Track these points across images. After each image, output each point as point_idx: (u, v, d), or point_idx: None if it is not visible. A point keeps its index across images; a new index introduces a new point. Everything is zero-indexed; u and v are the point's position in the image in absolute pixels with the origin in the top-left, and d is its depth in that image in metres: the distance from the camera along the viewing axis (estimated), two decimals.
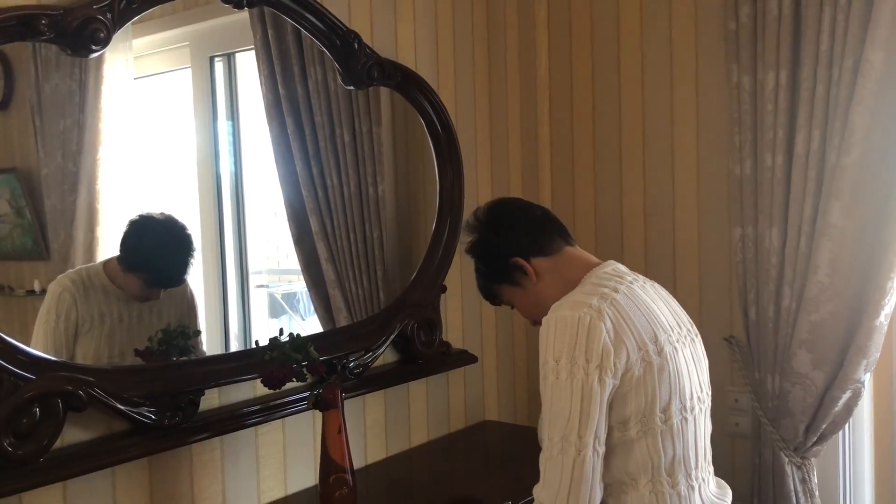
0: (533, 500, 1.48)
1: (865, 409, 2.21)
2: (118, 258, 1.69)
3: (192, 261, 1.82)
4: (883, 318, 1.99)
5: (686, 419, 1.48)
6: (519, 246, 1.61)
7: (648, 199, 2.48)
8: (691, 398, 1.50)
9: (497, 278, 1.66)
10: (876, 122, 1.95)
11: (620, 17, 2.49)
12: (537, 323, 1.59)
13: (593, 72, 2.56)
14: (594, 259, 1.63)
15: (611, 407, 1.42)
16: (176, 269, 1.80)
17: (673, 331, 1.51)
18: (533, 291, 1.61)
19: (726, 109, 2.24)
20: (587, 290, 1.49)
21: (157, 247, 1.77)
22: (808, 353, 2.07)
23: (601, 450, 1.41)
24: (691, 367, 1.53)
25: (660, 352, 1.45)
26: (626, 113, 2.50)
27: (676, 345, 1.50)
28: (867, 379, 2.06)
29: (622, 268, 1.60)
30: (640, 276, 1.60)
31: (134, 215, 1.72)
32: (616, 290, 1.48)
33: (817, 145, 2.04)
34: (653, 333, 1.46)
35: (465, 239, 1.71)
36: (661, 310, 1.53)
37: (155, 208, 1.76)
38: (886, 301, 1.98)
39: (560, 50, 2.62)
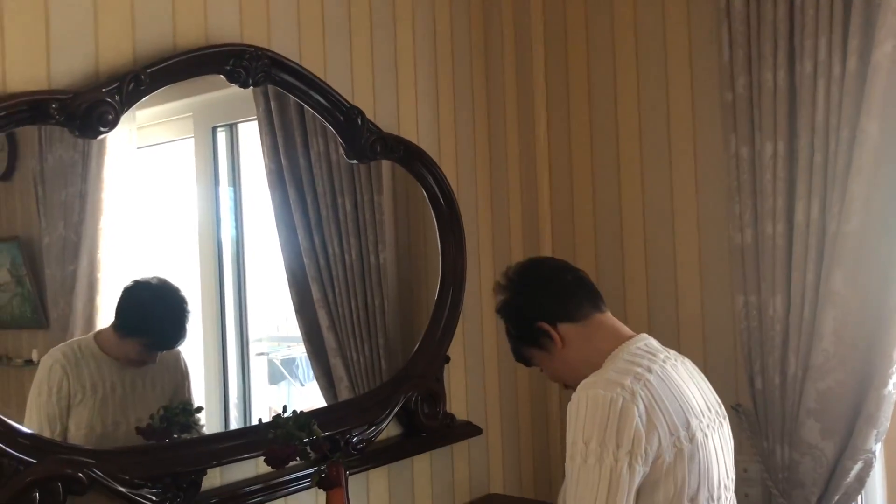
0: None
1: (878, 480, 2.17)
2: (114, 325, 1.69)
3: (188, 323, 1.81)
4: (891, 387, 1.97)
5: None
6: (545, 310, 1.58)
7: (650, 268, 2.49)
8: (719, 486, 1.47)
9: (525, 342, 1.63)
10: (874, 190, 1.97)
11: (618, 87, 2.53)
12: (567, 387, 1.56)
13: (592, 143, 2.59)
14: (626, 331, 1.59)
15: (639, 494, 1.38)
16: (174, 331, 1.80)
17: (704, 415, 1.48)
18: (559, 357, 1.58)
19: (725, 178, 2.25)
20: (620, 367, 1.46)
21: (153, 310, 1.77)
22: (816, 423, 2.04)
23: None
24: (720, 453, 1.50)
25: (691, 438, 1.42)
26: (626, 183, 2.52)
27: (707, 430, 1.47)
28: (878, 449, 2.03)
29: (654, 343, 1.57)
30: (673, 353, 1.58)
31: (128, 281, 1.72)
32: (650, 371, 1.44)
33: (817, 214, 2.05)
34: (685, 419, 1.42)
35: (495, 299, 1.69)
36: (692, 392, 1.50)
37: (148, 273, 1.76)
38: (894, 369, 1.96)
39: (559, 122, 2.65)
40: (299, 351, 2.16)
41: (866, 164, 1.96)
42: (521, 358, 1.68)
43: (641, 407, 1.38)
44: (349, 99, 2.04)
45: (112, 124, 1.55)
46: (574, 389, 1.57)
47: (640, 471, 1.37)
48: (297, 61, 1.93)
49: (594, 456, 1.36)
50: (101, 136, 1.57)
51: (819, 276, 2.04)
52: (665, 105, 2.44)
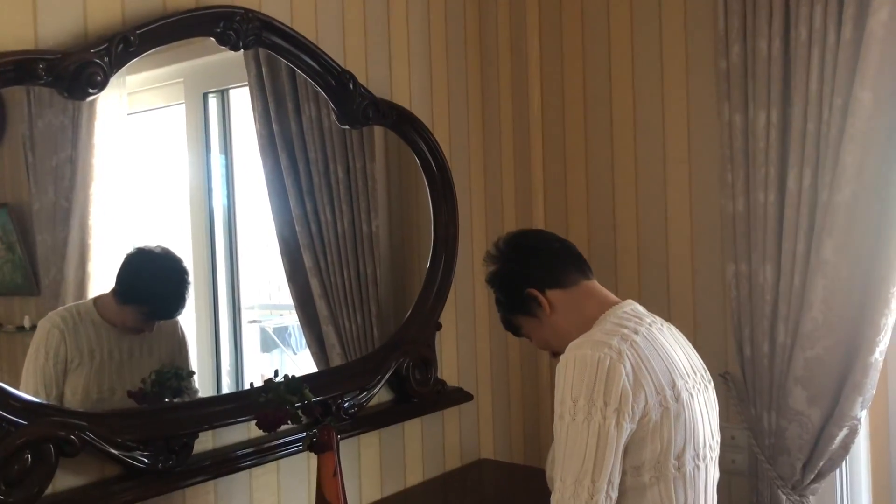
0: None
1: (862, 446, 2.20)
2: (114, 291, 1.68)
3: (188, 294, 1.83)
4: (878, 355, 1.99)
5: (698, 467, 1.47)
6: (534, 277, 1.62)
7: (642, 236, 2.49)
8: (704, 446, 1.49)
9: (514, 309, 1.66)
10: (867, 159, 1.97)
11: (612, 56, 2.52)
12: (555, 354, 1.59)
13: (585, 110, 2.59)
14: (612, 297, 1.62)
15: (626, 451, 1.41)
16: (173, 302, 1.81)
17: (689, 377, 1.51)
18: (547, 323, 1.61)
19: (718, 147, 2.26)
20: (607, 329, 1.48)
21: (155, 279, 1.78)
22: (803, 390, 2.07)
23: (614, 495, 1.39)
24: (705, 414, 1.52)
25: (677, 397, 1.44)
26: (619, 150, 2.52)
27: (692, 391, 1.49)
28: (863, 416, 2.06)
29: (641, 308, 1.60)
30: (658, 318, 1.60)
31: (131, 248, 1.73)
32: (636, 332, 1.47)
33: (809, 183, 2.05)
34: (671, 378, 1.45)
35: (486, 269, 1.72)
36: (677, 355, 1.52)
37: (151, 242, 1.77)
38: (881, 338, 1.98)
39: (552, 89, 2.64)
40: (291, 319, 2.16)
41: (859, 133, 1.95)
42: (511, 327, 1.71)
43: (628, 366, 1.40)
44: (341, 63, 2.02)
45: (101, 86, 1.54)
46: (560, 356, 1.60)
47: (628, 428, 1.39)
48: (289, 24, 1.91)
49: (582, 413, 1.38)
50: (91, 98, 1.56)
51: (810, 245, 2.05)
52: (659, 73, 2.43)
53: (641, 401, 1.39)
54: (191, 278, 1.84)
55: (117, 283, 1.68)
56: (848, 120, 1.96)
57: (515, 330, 1.71)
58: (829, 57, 2.00)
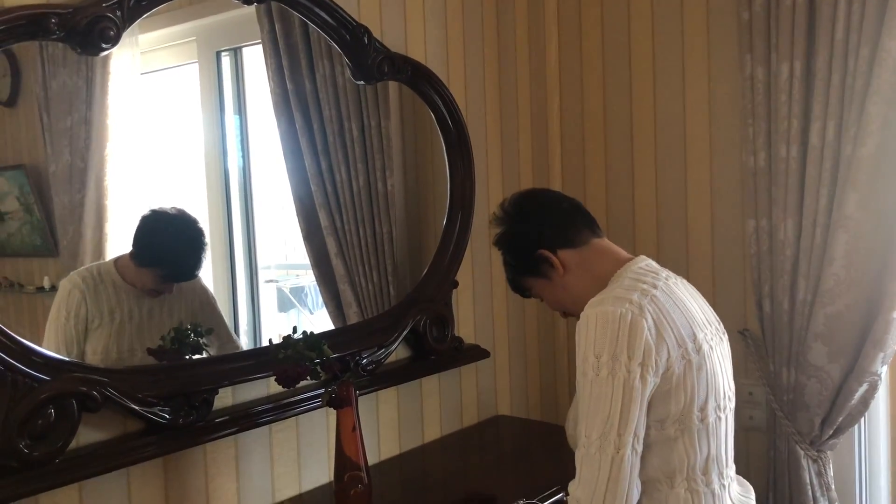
0: (567, 495, 1.46)
1: (881, 402, 2.20)
2: (131, 254, 1.69)
3: (205, 255, 1.82)
4: None
5: (720, 418, 1.48)
6: (545, 238, 1.59)
7: (660, 192, 2.47)
8: (723, 397, 1.50)
9: (525, 271, 1.64)
10: (893, 112, 1.93)
11: (631, 7, 2.47)
12: (567, 314, 1.58)
13: (604, 64, 2.54)
14: (625, 253, 1.60)
15: (650, 405, 1.41)
16: (190, 263, 1.81)
17: (707, 328, 1.50)
18: (560, 284, 1.59)
19: (739, 100, 2.22)
20: (626, 285, 1.47)
21: (171, 241, 1.78)
22: (823, 346, 2.06)
23: (639, 448, 1.39)
24: (722, 365, 1.52)
25: (698, 350, 1.44)
26: (638, 105, 2.48)
27: (711, 343, 1.49)
28: (884, 371, 2.05)
29: (654, 264, 1.58)
30: (671, 273, 1.59)
31: (146, 210, 1.72)
32: (655, 287, 1.46)
33: (832, 136, 2.02)
34: (691, 331, 1.44)
35: (493, 231, 1.69)
36: (695, 307, 1.52)
37: (166, 203, 1.77)
38: None
39: (570, 42, 2.60)
40: (308, 279, 2.17)
41: (885, 85, 1.92)
42: (520, 288, 1.69)
43: (650, 320, 1.39)
44: (355, 17, 1.99)
45: (114, 41, 1.52)
46: (573, 316, 1.58)
47: (652, 382, 1.39)
48: None
49: (606, 369, 1.37)
50: (104, 54, 1.54)
51: (832, 199, 2.03)
52: (679, 25, 2.38)
53: (664, 354, 1.39)
54: (207, 238, 1.84)
55: (134, 245, 1.69)
56: (874, 71, 1.92)
57: (524, 291, 1.69)
58: (855, 6, 1.95)
